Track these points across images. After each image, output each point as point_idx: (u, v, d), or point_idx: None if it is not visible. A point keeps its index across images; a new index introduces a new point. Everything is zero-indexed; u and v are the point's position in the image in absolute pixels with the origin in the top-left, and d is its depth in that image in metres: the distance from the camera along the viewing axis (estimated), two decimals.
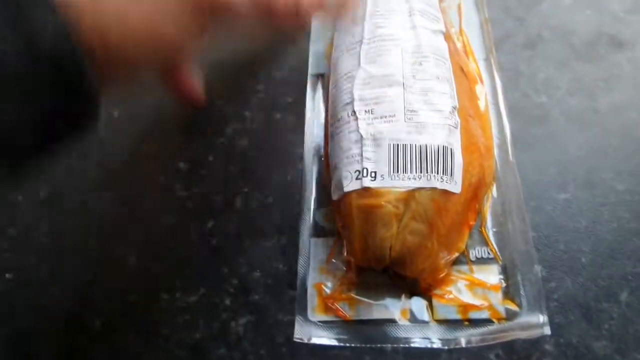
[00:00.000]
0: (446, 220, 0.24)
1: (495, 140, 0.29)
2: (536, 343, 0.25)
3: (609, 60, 0.32)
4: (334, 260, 0.27)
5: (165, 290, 0.28)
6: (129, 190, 0.32)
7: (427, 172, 0.24)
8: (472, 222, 0.27)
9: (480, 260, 0.26)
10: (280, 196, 0.30)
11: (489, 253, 0.26)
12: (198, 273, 0.29)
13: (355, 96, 0.26)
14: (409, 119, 0.25)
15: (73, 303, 0.28)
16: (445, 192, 0.24)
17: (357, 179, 0.25)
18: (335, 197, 0.26)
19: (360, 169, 0.25)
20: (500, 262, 0.26)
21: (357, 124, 0.26)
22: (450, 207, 0.24)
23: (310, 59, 0.33)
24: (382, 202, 0.24)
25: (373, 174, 0.24)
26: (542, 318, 0.24)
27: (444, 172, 0.24)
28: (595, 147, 0.30)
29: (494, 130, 0.30)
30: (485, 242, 0.27)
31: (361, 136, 0.25)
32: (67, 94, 0.19)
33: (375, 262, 0.25)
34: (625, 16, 0.33)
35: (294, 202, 0.29)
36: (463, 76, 0.29)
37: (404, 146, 0.25)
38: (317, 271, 0.27)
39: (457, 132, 0.26)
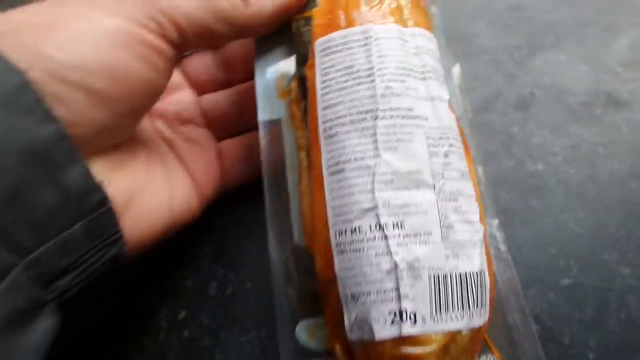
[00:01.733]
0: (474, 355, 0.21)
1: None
2: None
3: (607, 122, 0.30)
4: None
5: None
6: None
7: (468, 309, 0.20)
8: None
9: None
10: (260, 280, 0.28)
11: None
12: None
13: (379, 201, 0.20)
14: (446, 237, 0.20)
15: None
16: (480, 327, 0.21)
17: (392, 322, 0.19)
18: (354, 337, 0.20)
19: (397, 310, 0.19)
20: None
21: (388, 245, 0.20)
22: (480, 339, 0.21)
23: (259, 98, 0.25)
24: (425, 353, 0.19)
25: (412, 316, 0.19)
26: None
27: (482, 304, 0.20)
28: (597, 223, 0.27)
29: None
30: (489, 349, 0.24)
31: (395, 264, 0.20)
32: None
33: None
34: (623, 72, 0.31)
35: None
36: (468, 158, 0.24)
37: (445, 277, 0.20)
38: None
39: (484, 245, 0.22)
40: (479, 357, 0.23)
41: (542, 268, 0.27)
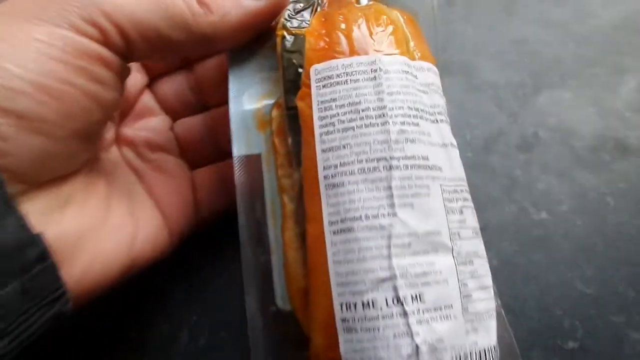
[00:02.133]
0: None
1: None
2: None
3: (615, 170, 0.28)
4: None
5: None
6: None
7: None
8: None
9: None
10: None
11: None
12: None
13: (397, 270, 0.17)
14: (466, 309, 0.18)
15: None
16: None
17: None
18: None
19: None
20: None
21: (408, 324, 0.17)
22: None
23: (233, 129, 0.21)
24: None
25: None
26: None
27: None
28: (605, 282, 0.25)
29: None
30: None
31: (417, 347, 0.17)
32: None
33: None
34: (631, 116, 0.30)
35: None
36: None
37: (466, 356, 0.18)
38: None
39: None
40: None
41: (545, 329, 0.25)
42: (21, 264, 0.16)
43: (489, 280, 0.19)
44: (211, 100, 0.26)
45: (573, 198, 0.28)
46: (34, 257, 0.16)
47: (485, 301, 0.19)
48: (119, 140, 0.25)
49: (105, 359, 0.25)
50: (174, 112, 0.27)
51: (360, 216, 0.18)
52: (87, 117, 0.18)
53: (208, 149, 0.26)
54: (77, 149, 0.19)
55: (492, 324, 0.18)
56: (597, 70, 0.31)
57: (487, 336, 0.18)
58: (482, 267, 0.19)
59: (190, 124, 0.27)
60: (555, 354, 0.24)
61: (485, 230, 0.27)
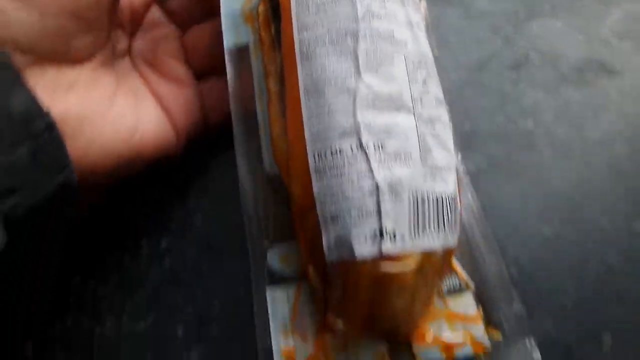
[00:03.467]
0: (443, 277, 0.22)
1: None
2: None
3: (597, 88, 0.31)
4: (299, 319, 0.22)
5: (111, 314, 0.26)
6: None
7: (443, 229, 0.20)
8: None
9: (453, 292, 0.23)
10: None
11: (459, 283, 0.23)
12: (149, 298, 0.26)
13: (361, 123, 0.20)
14: (425, 160, 0.20)
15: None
16: (451, 248, 0.21)
17: (373, 241, 0.19)
18: (333, 257, 0.20)
19: (378, 229, 0.19)
20: (473, 290, 0.23)
21: (370, 166, 0.19)
22: (450, 260, 0.22)
23: (224, 24, 0.25)
24: (405, 271, 0.19)
25: (393, 235, 0.19)
26: (528, 342, 0.22)
27: (454, 225, 0.20)
28: (582, 180, 0.28)
29: None
30: (454, 271, 0.24)
31: (377, 185, 0.19)
32: None
33: (383, 334, 0.21)
34: (617, 43, 0.32)
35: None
36: None
37: (423, 198, 0.20)
38: (280, 334, 0.22)
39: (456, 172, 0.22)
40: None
41: (526, 218, 0.27)
42: (31, 131, 0.18)
43: (450, 144, 0.21)
44: (217, 8, 0.29)
45: (557, 111, 0.30)
46: (42, 127, 0.18)
47: (446, 158, 0.21)
48: (130, 50, 0.27)
49: (125, 229, 0.28)
50: (183, 23, 0.29)
51: (331, 81, 0.20)
52: None
53: (216, 58, 0.28)
54: (72, 30, 0.21)
55: (451, 177, 0.21)
56: (586, 2, 0.34)
57: (445, 185, 0.20)
58: (444, 131, 0.22)
59: (198, 32, 0.29)
60: (532, 239, 0.27)
61: (476, 136, 0.30)
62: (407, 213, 0.19)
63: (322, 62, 0.21)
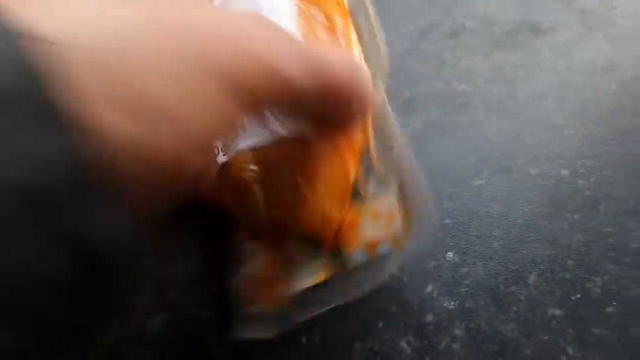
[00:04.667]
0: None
1: None
2: (446, 328, 0.25)
3: (528, 48, 0.32)
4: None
5: None
6: None
7: None
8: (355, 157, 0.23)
9: (377, 193, 0.24)
10: None
11: (382, 181, 0.24)
12: None
13: None
14: None
15: None
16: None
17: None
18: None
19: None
20: (393, 187, 0.23)
21: None
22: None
23: None
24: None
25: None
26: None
27: None
28: (513, 134, 0.30)
29: None
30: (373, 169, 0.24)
31: None
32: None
33: (302, 238, 0.23)
34: (548, 3, 0.34)
35: None
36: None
37: None
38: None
39: None
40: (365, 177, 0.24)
41: (460, 172, 0.29)
42: None
43: None
44: None
45: (490, 72, 0.32)
46: None
47: None
48: None
49: None
50: None
51: None
52: None
53: None
54: None
55: None
56: None
57: None
58: None
59: None
60: (464, 190, 0.28)
61: (416, 100, 0.31)
62: None
63: None
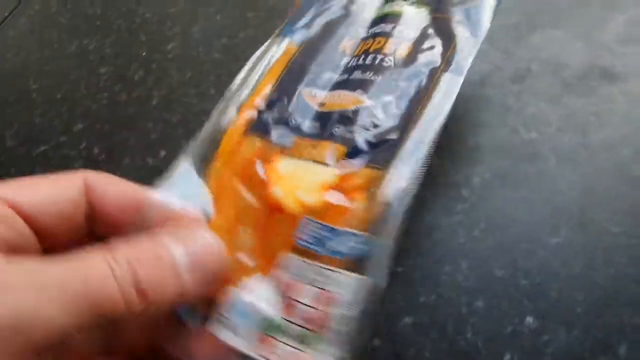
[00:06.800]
0: None
1: None
2: None
3: (601, 94, 0.31)
4: None
5: None
6: None
7: None
8: None
9: None
10: None
11: None
12: None
13: None
14: None
15: None
16: None
17: None
18: None
19: None
20: None
21: None
22: None
23: None
24: None
25: None
26: None
27: None
28: (588, 186, 0.28)
29: None
30: None
31: None
32: None
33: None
34: (618, 48, 0.32)
35: None
36: None
37: None
38: None
39: None
40: None
41: (533, 227, 0.27)
42: None
43: None
44: None
45: (560, 119, 0.30)
46: None
47: None
48: None
49: None
50: None
51: None
52: None
53: None
54: None
55: None
56: (588, 9, 0.34)
57: None
58: None
59: None
60: (540, 247, 0.27)
61: (480, 149, 0.30)
62: None
63: None
